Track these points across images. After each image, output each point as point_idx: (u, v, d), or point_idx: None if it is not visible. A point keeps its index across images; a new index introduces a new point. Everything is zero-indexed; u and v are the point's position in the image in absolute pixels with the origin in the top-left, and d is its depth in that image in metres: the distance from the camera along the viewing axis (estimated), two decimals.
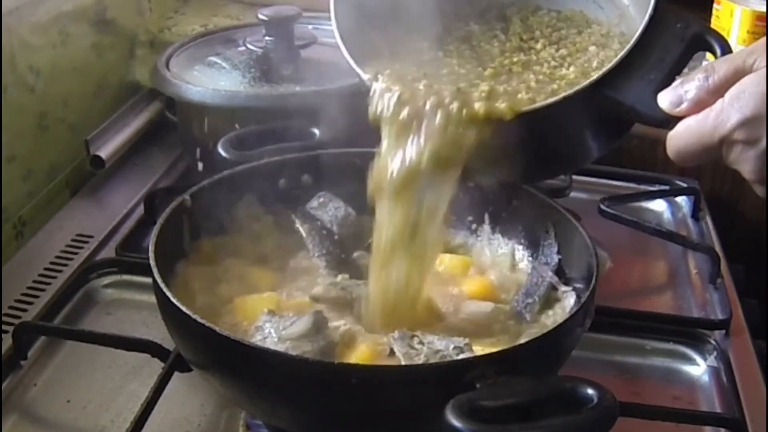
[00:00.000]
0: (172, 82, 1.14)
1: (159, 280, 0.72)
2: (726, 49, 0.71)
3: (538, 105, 0.74)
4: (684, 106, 0.67)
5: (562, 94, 0.74)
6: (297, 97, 1.09)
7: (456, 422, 0.58)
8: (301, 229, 0.89)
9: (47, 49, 1.15)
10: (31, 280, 0.99)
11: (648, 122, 0.72)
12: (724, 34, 0.87)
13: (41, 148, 1.15)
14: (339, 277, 0.85)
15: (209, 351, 0.71)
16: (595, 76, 0.73)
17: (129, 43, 1.36)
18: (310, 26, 1.27)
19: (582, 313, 0.72)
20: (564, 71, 0.79)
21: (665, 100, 0.68)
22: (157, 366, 0.83)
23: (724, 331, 0.95)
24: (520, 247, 0.91)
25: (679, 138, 0.66)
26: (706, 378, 0.91)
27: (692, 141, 0.65)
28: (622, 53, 0.73)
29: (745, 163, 0.64)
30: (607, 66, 0.73)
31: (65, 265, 1.02)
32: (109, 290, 0.99)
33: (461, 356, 0.70)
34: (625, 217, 1.10)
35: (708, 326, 0.96)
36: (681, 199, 1.22)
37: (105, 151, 1.20)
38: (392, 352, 0.73)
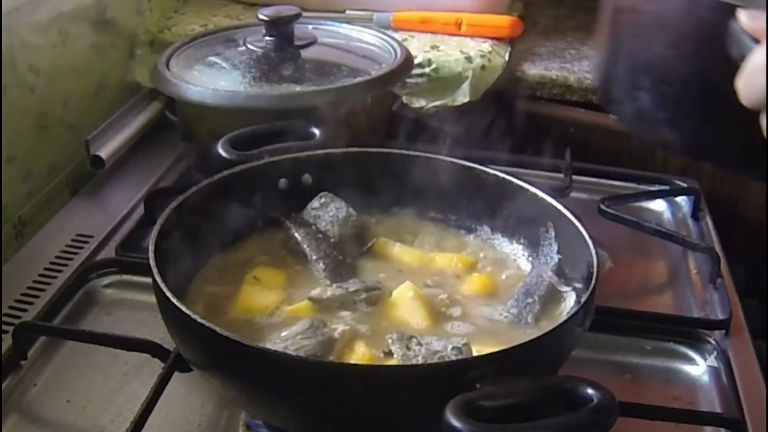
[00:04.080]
0: (172, 82, 1.14)
1: (159, 280, 0.72)
2: None
3: None
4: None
5: None
6: (297, 97, 1.09)
7: (456, 422, 0.58)
8: (296, 234, 0.89)
9: (47, 49, 1.15)
10: (31, 280, 0.99)
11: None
12: None
13: (41, 148, 1.15)
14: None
15: (209, 351, 0.71)
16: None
17: (129, 43, 1.36)
18: (310, 26, 1.27)
19: (582, 313, 0.72)
20: None
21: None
22: (157, 366, 0.83)
23: (724, 331, 0.95)
24: (520, 247, 0.91)
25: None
26: (706, 378, 0.91)
27: None
28: None
29: None
30: None
31: (65, 265, 1.02)
32: (109, 290, 0.99)
33: (459, 357, 0.70)
34: (625, 217, 1.10)
35: (708, 326, 0.95)
36: (681, 199, 1.22)
37: (105, 151, 1.20)
38: (390, 353, 0.73)
